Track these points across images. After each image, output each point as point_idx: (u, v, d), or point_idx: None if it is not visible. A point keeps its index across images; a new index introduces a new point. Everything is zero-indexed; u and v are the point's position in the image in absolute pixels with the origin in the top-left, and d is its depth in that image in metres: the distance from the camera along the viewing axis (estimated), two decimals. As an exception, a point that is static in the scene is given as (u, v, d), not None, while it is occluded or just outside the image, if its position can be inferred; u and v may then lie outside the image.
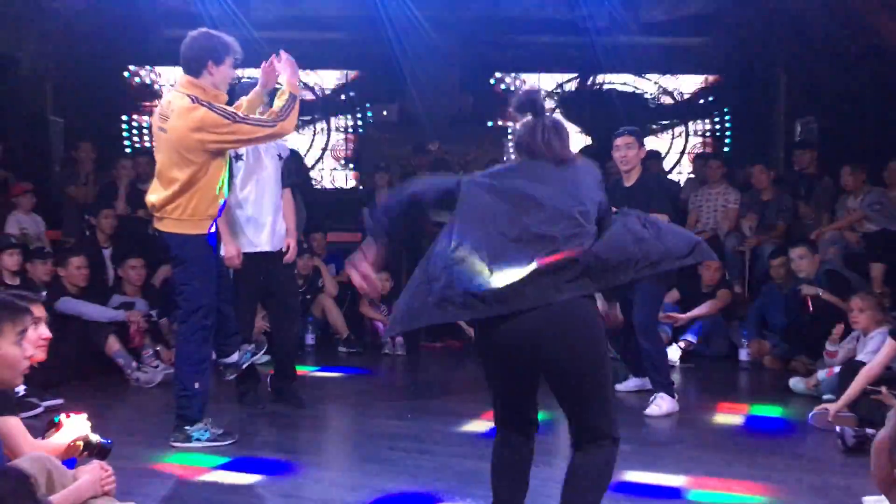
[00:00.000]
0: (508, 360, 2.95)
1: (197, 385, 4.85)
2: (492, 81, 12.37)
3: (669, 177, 11.72)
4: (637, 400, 6.60)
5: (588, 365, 2.89)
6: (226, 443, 4.87)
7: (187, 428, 4.86)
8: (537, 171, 3.08)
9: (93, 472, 2.97)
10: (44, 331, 3.37)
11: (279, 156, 5.78)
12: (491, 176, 3.11)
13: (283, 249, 5.76)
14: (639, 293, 5.77)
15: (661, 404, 5.74)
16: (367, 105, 12.17)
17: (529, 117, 3.19)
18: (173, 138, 4.71)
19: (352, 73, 12.33)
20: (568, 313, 2.85)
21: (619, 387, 6.25)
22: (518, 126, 3.27)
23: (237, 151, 5.49)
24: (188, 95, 4.71)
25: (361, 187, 11.64)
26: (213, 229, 4.88)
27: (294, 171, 6.16)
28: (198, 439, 4.83)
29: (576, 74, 12.37)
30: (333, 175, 12.47)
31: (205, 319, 4.87)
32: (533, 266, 2.82)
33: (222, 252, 5.50)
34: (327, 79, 12.46)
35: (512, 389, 3.06)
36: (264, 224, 5.65)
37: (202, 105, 4.66)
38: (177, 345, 4.97)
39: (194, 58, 4.75)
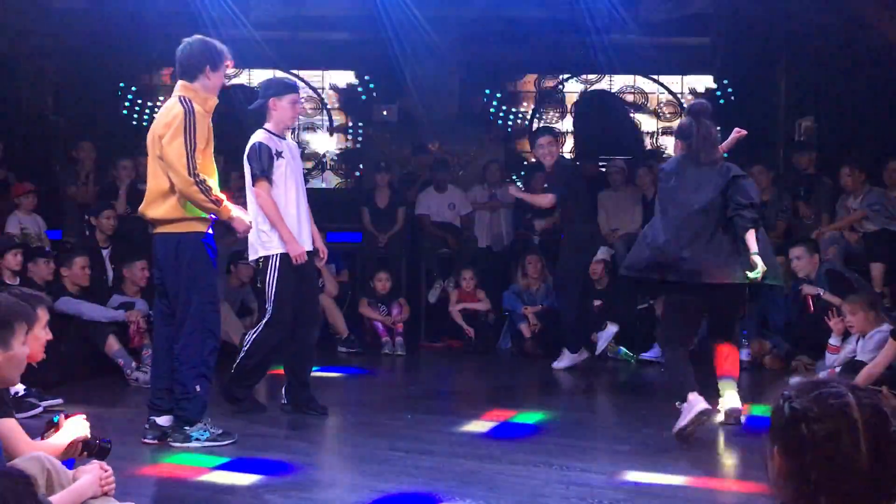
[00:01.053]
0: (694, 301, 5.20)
1: (198, 387, 4.78)
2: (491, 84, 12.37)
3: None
4: (637, 401, 6.61)
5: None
6: (225, 442, 4.84)
7: (186, 428, 4.81)
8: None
9: (93, 472, 2.97)
10: (48, 333, 3.39)
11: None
12: None
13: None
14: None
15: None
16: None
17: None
18: (156, 137, 4.75)
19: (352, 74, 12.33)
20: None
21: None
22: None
23: (278, 148, 5.46)
24: (179, 97, 4.77)
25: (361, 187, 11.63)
26: (210, 230, 4.85)
27: None
28: (197, 439, 4.80)
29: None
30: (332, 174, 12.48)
31: (203, 321, 4.79)
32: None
33: (280, 250, 5.38)
34: (330, 79, 12.46)
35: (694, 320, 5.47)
36: (305, 223, 5.59)
37: (184, 109, 4.66)
38: (176, 348, 4.87)
39: (192, 63, 4.80)
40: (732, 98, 12.24)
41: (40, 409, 5.47)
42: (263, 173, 5.40)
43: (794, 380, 6.50)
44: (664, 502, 4.10)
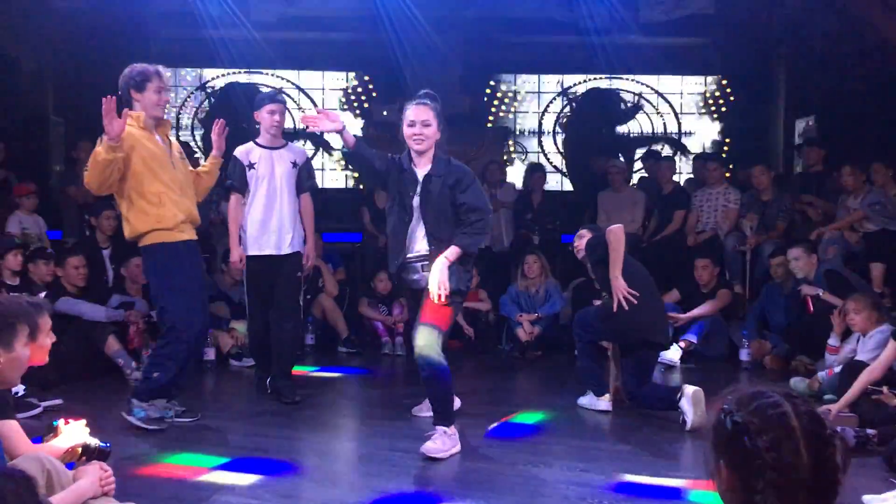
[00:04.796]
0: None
1: (155, 374, 5.18)
2: (492, 83, 12.39)
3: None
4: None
5: None
6: (152, 427, 5.08)
7: (133, 400, 5.19)
8: None
9: (93, 473, 2.97)
10: (52, 336, 3.39)
11: (294, 163, 6.09)
12: None
13: (296, 253, 6.11)
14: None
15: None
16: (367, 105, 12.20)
17: None
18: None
19: (352, 74, 12.35)
20: None
21: None
22: None
23: (251, 160, 6.01)
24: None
25: (361, 187, 11.64)
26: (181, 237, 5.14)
27: (308, 176, 6.33)
28: (136, 415, 5.13)
29: (583, 78, 12.41)
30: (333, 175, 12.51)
31: (177, 335, 5.13)
32: None
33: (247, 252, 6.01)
34: (328, 79, 12.49)
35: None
36: (273, 229, 5.98)
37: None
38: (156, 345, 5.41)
39: (121, 91, 5.14)
40: (732, 99, 12.27)
41: (40, 410, 5.48)
42: (232, 185, 6.07)
43: (794, 380, 6.52)
44: (664, 503, 4.10)
